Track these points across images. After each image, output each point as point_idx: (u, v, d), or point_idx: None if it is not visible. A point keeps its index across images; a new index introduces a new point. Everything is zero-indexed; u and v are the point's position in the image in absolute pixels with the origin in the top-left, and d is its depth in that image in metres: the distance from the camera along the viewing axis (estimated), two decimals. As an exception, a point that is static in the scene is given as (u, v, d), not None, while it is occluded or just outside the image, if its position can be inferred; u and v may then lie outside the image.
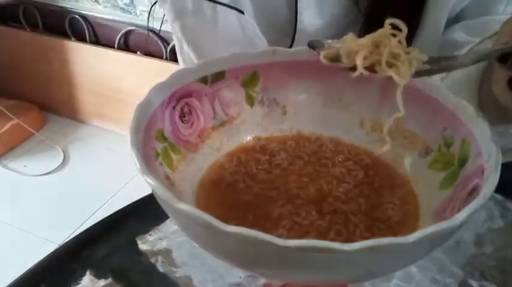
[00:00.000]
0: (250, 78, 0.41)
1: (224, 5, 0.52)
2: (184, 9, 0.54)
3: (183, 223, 0.29)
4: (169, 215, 0.30)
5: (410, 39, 0.53)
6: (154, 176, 0.28)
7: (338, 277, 0.28)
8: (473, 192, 0.30)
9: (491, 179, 0.28)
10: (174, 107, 0.37)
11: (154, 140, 0.34)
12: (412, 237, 0.24)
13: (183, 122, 0.38)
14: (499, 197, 0.51)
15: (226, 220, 0.24)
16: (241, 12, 0.53)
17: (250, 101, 0.42)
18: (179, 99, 0.37)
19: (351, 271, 0.27)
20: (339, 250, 0.23)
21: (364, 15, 0.52)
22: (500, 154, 0.30)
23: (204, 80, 0.39)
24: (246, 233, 0.24)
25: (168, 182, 0.34)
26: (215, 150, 0.40)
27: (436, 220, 0.33)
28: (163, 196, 0.27)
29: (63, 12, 1.74)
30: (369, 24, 0.52)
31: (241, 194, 0.36)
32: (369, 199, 0.37)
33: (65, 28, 1.76)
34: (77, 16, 1.72)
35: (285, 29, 0.55)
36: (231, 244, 0.26)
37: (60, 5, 1.74)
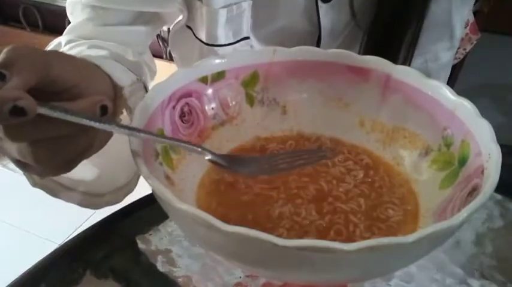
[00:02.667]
0: (250, 78, 0.41)
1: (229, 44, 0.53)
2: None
3: (183, 223, 0.29)
4: (169, 215, 0.30)
5: (412, 48, 0.54)
6: (154, 176, 0.28)
7: (338, 277, 0.28)
8: (473, 192, 0.30)
9: (491, 179, 0.28)
10: (174, 107, 0.37)
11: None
12: (412, 237, 0.24)
13: (183, 122, 0.38)
14: (499, 197, 0.51)
15: (226, 220, 0.25)
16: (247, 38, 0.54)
17: (250, 100, 0.42)
18: (179, 99, 0.37)
19: (351, 271, 0.27)
20: (339, 249, 0.23)
21: (367, 27, 0.53)
22: (500, 153, 0.30)
23: (204, 79, 0.39)
24: (246, 233, 0.24)
25: (168, 182, 0.34)
26: (215, 150, 0.40)
27: (436, 220, 0.33)
28: (164, 196, 0.27)
29: (63, 12, 1.71)
30: (370, 35, 0.53)
31: (241, 194, 0.36)
32: (369, 198, 0.37)
33: (65, 28, 1.76)
34: (77, 16, 1.72)
35: (307, 41, 0.56)
36: (231, 244, 0.26)
37: (60, 4, 1.73)
